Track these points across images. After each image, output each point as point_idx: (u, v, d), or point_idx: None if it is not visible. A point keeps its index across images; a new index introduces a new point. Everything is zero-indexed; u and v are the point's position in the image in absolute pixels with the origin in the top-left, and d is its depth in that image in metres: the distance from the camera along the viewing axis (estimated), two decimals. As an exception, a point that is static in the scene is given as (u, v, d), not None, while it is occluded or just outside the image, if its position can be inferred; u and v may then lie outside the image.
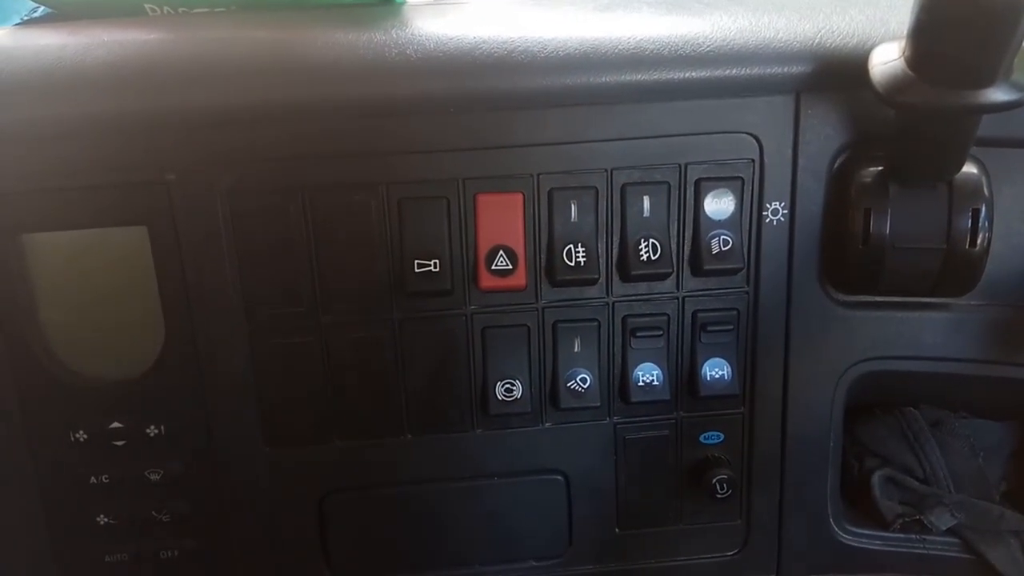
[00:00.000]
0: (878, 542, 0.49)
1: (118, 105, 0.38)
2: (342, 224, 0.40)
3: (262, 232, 0.40)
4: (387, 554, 0.46)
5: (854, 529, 0.48)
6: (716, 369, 0.44)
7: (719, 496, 0.45)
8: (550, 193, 0.41)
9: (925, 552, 0.49)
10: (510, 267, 0.42)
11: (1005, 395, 0.49)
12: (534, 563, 0.47)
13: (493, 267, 0.42)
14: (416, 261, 0.41)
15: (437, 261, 0.41)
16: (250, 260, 0.40)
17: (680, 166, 0.42)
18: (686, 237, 0.43)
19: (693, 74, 0.40)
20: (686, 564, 0.48)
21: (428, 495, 0.45)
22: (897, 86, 0.35)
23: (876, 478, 0.49)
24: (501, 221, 0.41)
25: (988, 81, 0.33)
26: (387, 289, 0.41)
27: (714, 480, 0.44)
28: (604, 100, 0.40)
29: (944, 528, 0.48)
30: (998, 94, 0.34)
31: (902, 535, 0.49)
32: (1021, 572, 0.48)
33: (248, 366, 0.42)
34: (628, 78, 0.39)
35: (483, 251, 0.41)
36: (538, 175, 0.41)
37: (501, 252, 0.42)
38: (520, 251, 0.42)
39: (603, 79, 0.39)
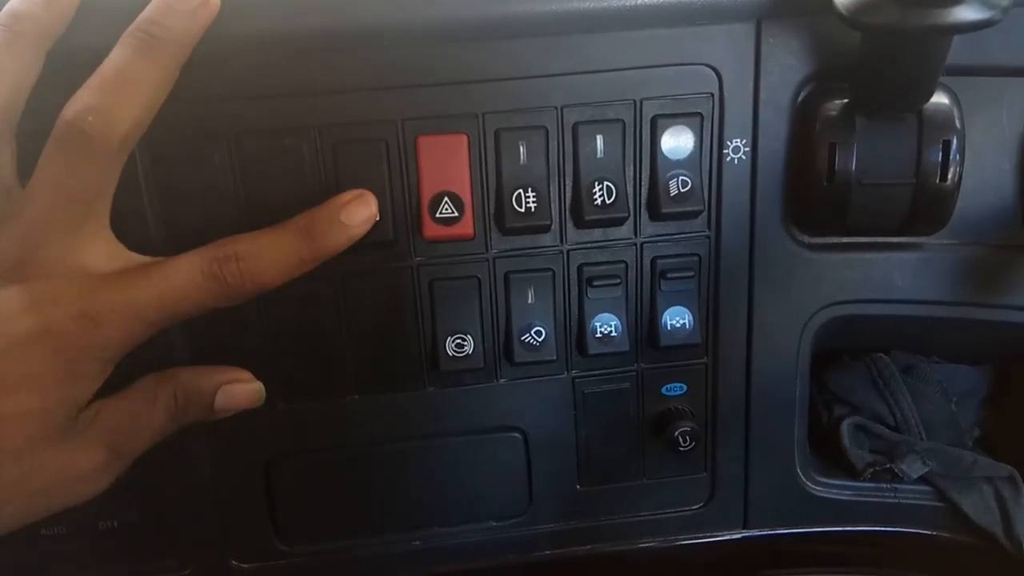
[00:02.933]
0: (848, 492, 0.47)
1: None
2: (272, 172, 0.38)
3: (185, 182, 0.37)
4: (338, 519, 0.44)
5: (823, 479, 0.47)
6: (677, 318, 0.42)
7: (682, 449, 0.43)
8: (496, 134, 0.39)
9: (896, 501, 0.47)
10: (456, 215, 0.39)
11: (978, 338, 0.47)
12: (494, 523, 0.46)
13: (438, 215, 0.39)
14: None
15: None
16: (173, 212, 0.38)
17: (635, 102, 0.39)
18: (643, 179, 0.40)
19: (646, 0, 0.37)
20: (651, 519, 0.46)
21: (379, 457, 0.43)
22: (862, 6, 0.33)
23: (845, 426, 0.48)
24: (445, 165, 0.39)
25: (958, -2, 0.31)
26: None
27: (677, 433, 0.43)
28: (551, 31, 0.38)
29: (916, 476, 0.47)
30: (968, 12, 0.31)
31: (873, 484, 0.48)
32: (994, 519, 0.47)
33: (179, 326, 0.39)
34: (576, 5, 0.37)
35: (426, 198, 0.39)
36: (483, 114, 0.39)
37: (446, 199, 0.39)
38: (466, 197, 0.39)
39: (549, 7, 0.37)
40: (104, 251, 0.34)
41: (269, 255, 0.34)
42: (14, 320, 0.31)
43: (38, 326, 0.31)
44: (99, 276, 0.33)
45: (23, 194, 0.32)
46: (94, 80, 0.32)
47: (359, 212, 0.36)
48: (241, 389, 0.38)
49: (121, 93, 0.32)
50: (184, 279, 0.33)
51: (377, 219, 0.38)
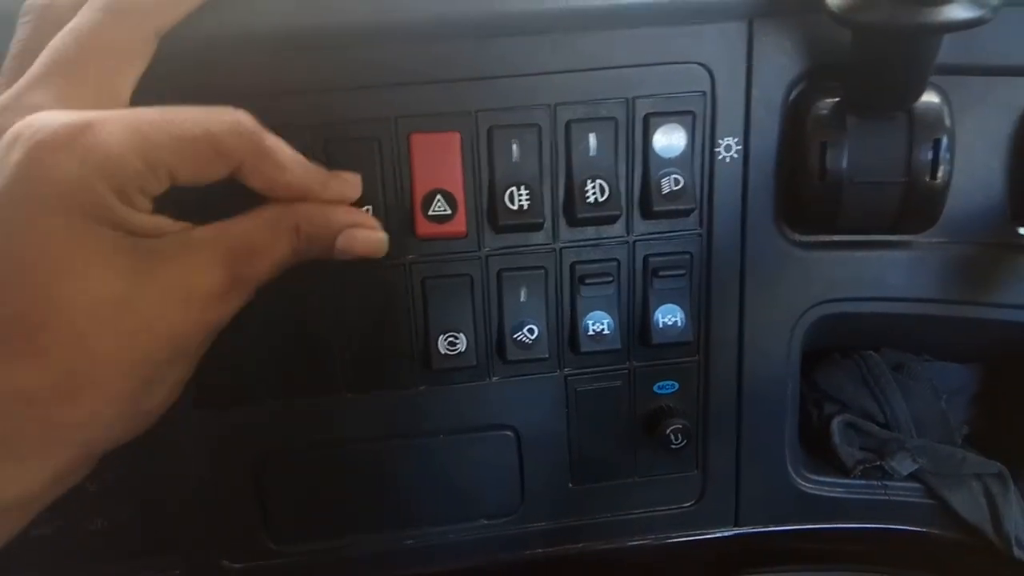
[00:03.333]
0: (839, 489, 0.47)
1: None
2: None
3: None
4: (329, 518, 0.44)
5: (814, 477, 0.47)
6: (669, 316, 0.42)
7: (674, 447, 0.43)
8: (490, 131, 0.39)
9: (887, 498, 0.48)
10: (449, 212, 0.39)
11: (968, 336, 0.48)
12: (486, 521, 0.45)
13: (430, 212, 0.39)
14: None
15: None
16: (164, 212, 0.37)
17: (627, 100, 0.39)
18: (635, 177, 0.40)
19: (639, -1, 0.37)
20: (642, 517, 0.46)
21: (371, 455, 0.43)
22: (853, 5, 0.33)
23: (836, 424, 0.48)
24: (438, 163, 0.39)
25: (949, -4, 0.31)
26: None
27: (668, 431, 0.43)
28: (545, 28, 0.38)
29: (906, 473, 0.47)
30: (959, 11, 0.32)
31: (863, 482, 0.48)
32: (983, 515, 0.47)
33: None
34: (570, 4, 0.37)
35: (419, 195, 0.39)
36: (476, 112, 0.38)
37: (439, 196, 0.39)
38: (459, 195, 0.39)
39: (543, 5, 0.37)
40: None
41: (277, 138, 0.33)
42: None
43: (31, 143, 0.28)
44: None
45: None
46: None
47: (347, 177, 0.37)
48: (366, 236, 0.35)
49: None
50: (191, 110, 0.31)
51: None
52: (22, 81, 0.31)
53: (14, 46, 0.34)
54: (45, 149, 0.27)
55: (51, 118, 0.28)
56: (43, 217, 0.28)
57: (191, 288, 0.31)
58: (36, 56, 0.32)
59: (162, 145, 0.30)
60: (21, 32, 0.34)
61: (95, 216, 0.28)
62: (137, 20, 0.33)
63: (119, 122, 0.29)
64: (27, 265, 0.28)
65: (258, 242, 0.33)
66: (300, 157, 0.34)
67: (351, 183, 0.37)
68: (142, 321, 0.30)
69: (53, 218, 0.28)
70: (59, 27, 0.33)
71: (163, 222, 0.31)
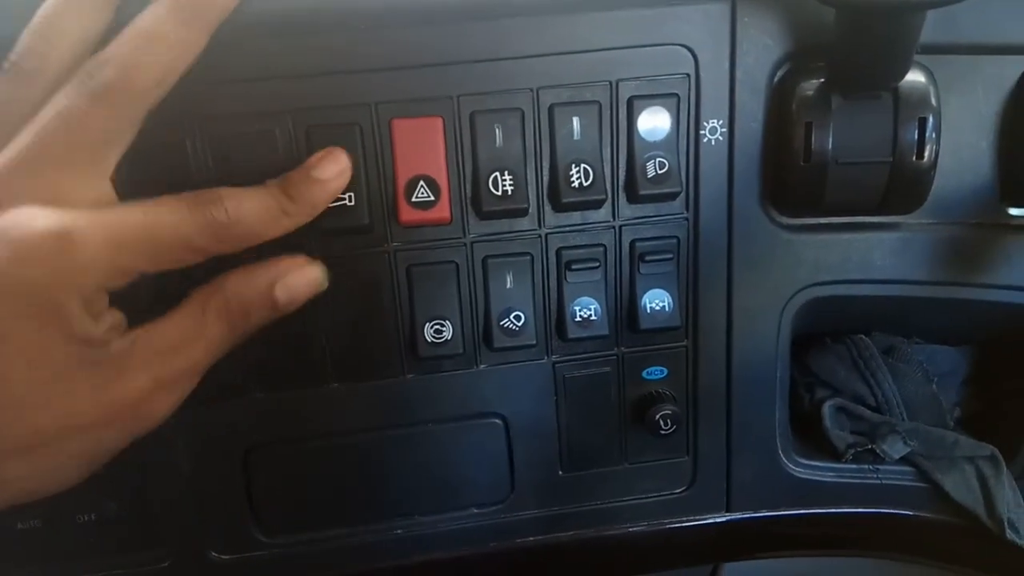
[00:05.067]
0: (830, 474, 0.47)
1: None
2: (244, 158, 0.37)
3: (156, 168, 0.37)
4: (319, 509, 0.44)
5: (805, 462, 0.47)
6: (656, 301, 0.42)
7: (664, 432, 0.43)
8: (472, 116, 0.38)
9: (878, 482, 0.48)
10: (432, 199, 0.39)
11: (958, 318, 0.47)
12: (476, 510, 0.45)
13: (414, 199, 0.39)
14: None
15: (352, 194, 0.38)
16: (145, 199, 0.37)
17: (611, 83, 0.39)
18: (620, 161, 0.40)
19: (621, -20, 0.37)
20: (633, 504, 0.46)
21: (359, 445, 0.43)
22: (834, -18, 0.33)
23: (827, 408, 0.48)
24: (420, 149, 0.38)
25: (930, -28, 0.31)
26: (299, 227, 0.38)
27: (658, 416, 0.42)
28: (527, 11, 0.37)
29: (897, 456, 0.47)
30: (940, -14, 0.31)
31: (855, 466, 0.48)
32: (976, 498, 0.47)
33: (156, 317, 0.38)
34: (550, -14, 0.36)
35: (402, 182, 0.38)
36: (458, 97, 0.38)
37: (422, 183, 0.39)
38: (443, 181, 0.39)
39: (523, -12, 0.36)
40: (95, 197, 0.32)
41: (251, 201, 0.34)
42: None
43: (10, 247, 0.29)
44: (81, 206, 0.31)
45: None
46: (124, 32, 0.32)
47: (329, 166, 0.36)
48: (300, 278, 0.36)
49: (145, 48, 0.32)
50: (169, 210, 0.32)
51: (350, 174, 0.37)
52: (8, 160, 0.31)
53: None
54: (22, 263, 0.29)
55: (33, 222, 0.29)
56: (11, 321, 0.29)
57: (115, 403, 0.32)
58: (17, 114, 0.32)
59: (138, 254, 0.31)
60: (3, 85, 0.32)
61: (61, 331, 0.30)
62: (128, 105, 0.32)
63: (99, 234, 0.30)
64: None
65: (185, 339, 0.34)
66: (265, 195, 0.34)
67: (334, 165, 0.37)
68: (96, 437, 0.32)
69: (23, 323, 0.29)
70: (47, 88, 0.32)
71: (112, 328, 0.32)
